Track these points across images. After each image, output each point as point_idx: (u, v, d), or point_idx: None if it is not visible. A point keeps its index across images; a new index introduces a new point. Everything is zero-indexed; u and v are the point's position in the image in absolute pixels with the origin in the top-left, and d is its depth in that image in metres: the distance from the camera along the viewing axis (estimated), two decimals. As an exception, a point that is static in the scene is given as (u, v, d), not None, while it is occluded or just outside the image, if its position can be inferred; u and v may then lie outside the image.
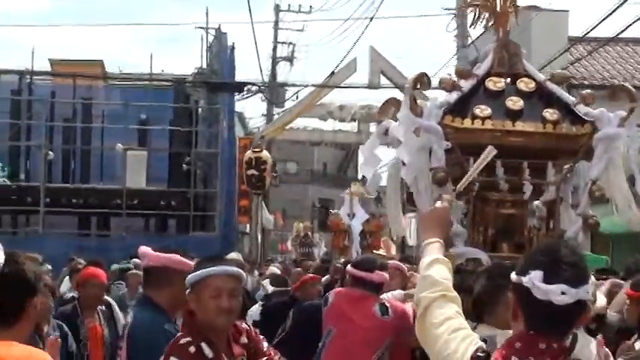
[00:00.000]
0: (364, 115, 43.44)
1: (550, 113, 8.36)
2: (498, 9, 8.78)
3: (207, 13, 48.10)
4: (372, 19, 30.40)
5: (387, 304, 8.60)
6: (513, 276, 3.40)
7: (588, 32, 23.39)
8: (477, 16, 8.89)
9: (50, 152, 28.60)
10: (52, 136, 29.56)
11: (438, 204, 4.26)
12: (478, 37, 28.96)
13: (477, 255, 8.26)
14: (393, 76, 32.03)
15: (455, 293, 3.74)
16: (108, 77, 33.47)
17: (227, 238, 29.43)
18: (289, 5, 47.80)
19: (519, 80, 8.63)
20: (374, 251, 26.56)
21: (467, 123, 8.37)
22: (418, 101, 8.40)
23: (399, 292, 9.39)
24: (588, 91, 8.71)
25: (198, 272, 4.81)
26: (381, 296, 8.80)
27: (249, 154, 28.57)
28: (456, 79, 8.72)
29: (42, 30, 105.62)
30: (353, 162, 58.53)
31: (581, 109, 8.40)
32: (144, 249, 5.73)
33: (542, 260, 3.34)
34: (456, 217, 8.19)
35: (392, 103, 9.73)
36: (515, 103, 8.44)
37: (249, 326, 5.10)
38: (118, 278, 15.71)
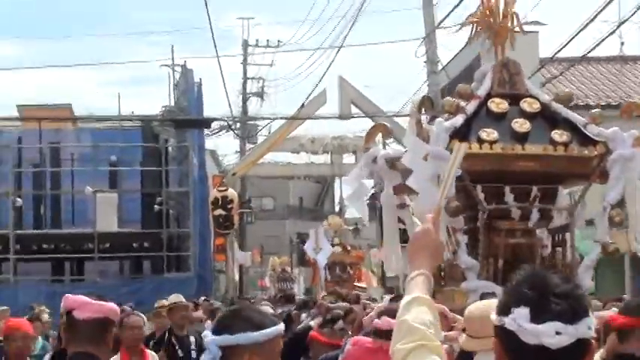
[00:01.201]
0: (336, 146, 43.10)
1: (559, 134, 7.92)
2: (497, 26, 8.36)
3: (172, 51, 47.47)
4: (340, 47, 30.01)
5: None
6: (493, 317, 2.66)
7: (558, 52, 23.07)
8: (474, 33, 8.47)
9: (18, 199, 28.12)
10: (21, 182, 29.11)
11: (424, 224, 3.29)
12: (448, 63, 28.69)
13: (491, 289, 7.76)
14: (364, 105, 31.70)
15: (437, 342, 2.96)
16: (75, 119, 32.89)
17: (203, 278, 29.03)
18: (257, 40, 47.38)
19: (523, 101, 8.19)
20: (355, 284, 26.13)
21: (474, 147, 7.92)
22: (424, 126, 7.94)
23: None
24: (597, 110, 8.28)
25: (266, 331, 3.73)
26: None
27: (214, 193, 27.82)
28: (458, 101, 8.28)
29: (8, 74, 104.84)
30: (329, 195, 58.23)
31: (593, 130, 7.95)
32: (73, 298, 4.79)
33: (527, 294, 2.61)
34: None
35: (379, 129, 9.26)
36: (521, 125, 7.99)
37: None
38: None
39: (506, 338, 2.64)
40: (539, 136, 7.96)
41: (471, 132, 8.08)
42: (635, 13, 18.11)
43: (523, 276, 2.73)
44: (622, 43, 30.80)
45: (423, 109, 8.10)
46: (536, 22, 26.70)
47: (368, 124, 33.73)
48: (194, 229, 29.83)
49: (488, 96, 8.26)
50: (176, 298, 11.40)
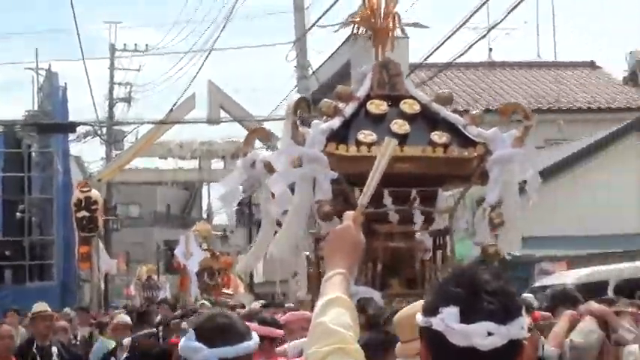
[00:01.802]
0: (205, 151, 42.76)
1: (439, 136, 7.77)
2: (378, 26, 8.18)
3: (36, 54, 46.30)
4: (210, 51, 29.68)
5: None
6: (419, 317, 2.47)
7: (428, 57, 23.21)
8: (355, 33, 8.27)
9: None
10: None
11: (344, 221, 3.12)
12: (319, 68, 28.64)
13: (370, 294, 7.56)
14: (233, 109, 31.47)
15: (356, 345, 2.77)
16: None
17: (67, 287, 28.54)
18: (125, 45, 46.49)
19: (402, 102, 8.02)
20: (223, 290, 25.83)
21: (352, 150, 7.71)
22: (300, 128, 7.69)
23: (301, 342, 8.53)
24: (477, 111, 8.17)
25: (255, 339, 3.64)
26: (285, 346, 7.91)
27: (77, 194, 26.63)
28: (336, 102, 8.06)
29: None
30: (197, 202, 57.70)
31: (472, 131, 7.82)
32: None
33: (457, 292, 2.41)
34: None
35: (258, 133, 9.01)
36: (400, 126, 7.81)
37: None
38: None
39: (432, 340, 2.44)
40: (418, 138, 7.80)
41: (349, 134, 7.87)
42: (503, 19, 18.27)
43: (452, 273, 2.53)
44: (490, 49, 31.30)
45: (299, 111, 7.85)
46: (418, 25, 26.81)
47: (237, 129, 33.53)
48: (58, 237, 29.25)
49: (368, 97, 8.07)
50: (41, 306, 11.01)
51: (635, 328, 7.30)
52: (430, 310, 2.44)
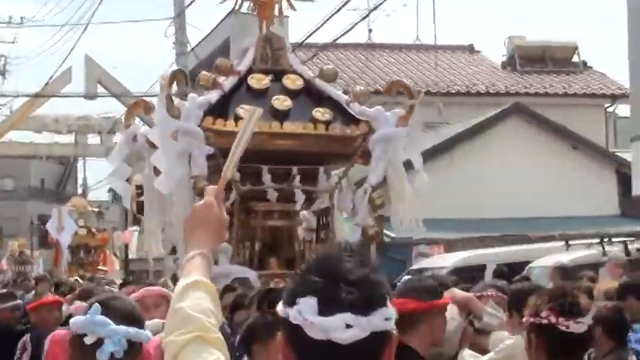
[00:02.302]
0: (81, 126, 42.01)
1: (321, 113, 7.59)
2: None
3: None
4: (87, 25, 28.99)
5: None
6: (279, 308, 2.27)
7: (307, 37, 23.06)
8: (240, 4, 8.02)
9: None
10: None
11: (206, 197, 2.78)
12: (198, 44, 28.24)
13: (245, 274, 7.37)
14: (111, 85, 30.94)
15: (218, 333, 2.54)
16: None
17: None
18: (-1, 17, 45.17)
19: (285, 77, 7.81)
20: (98, 267, 25.38)
21: (230, 125, 7.47)
22: (175, 101, 7.43)
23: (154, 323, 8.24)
24: (362, 87, 8.00)
25: None
26: None
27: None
28: (215, 76, 7.81)
29: None
30: (72, 176, 56.64)
31: (355, 108, 7.66)
32: None
33: (315, 282, 2.20)
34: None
35: (140, 105, 8.69)
36: (282, 102, 7.62)
37: None
38: None
39: (290, 333, 2.23)
40: (300, 115, 7.62)
41: (229, 109, 7.64)
42: (383, 1, 18.22)
43: (313, 261, 2.29)
44: (370, 31, 31.30)
45: (175, 84, 7.57)
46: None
47: (114, 104, 32.99)
48: None
49: (250, 71, 7.84)
50: None
51: (500, 313, 7.19)
52: (289, 300, 2.23)
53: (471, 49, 31.50)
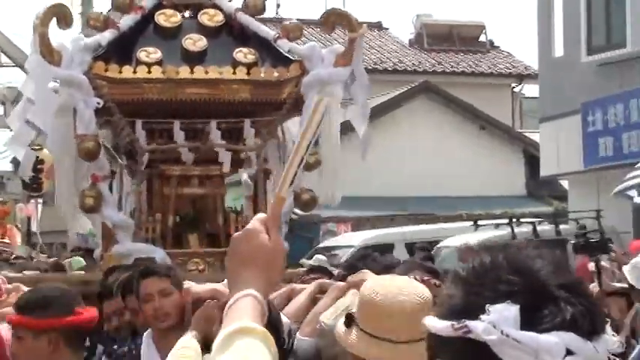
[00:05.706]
0: (-18, 96, 40.15)
1: (244, 54, 6.22)
2: None
3: None
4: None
5: None
6: (439, 324, 1.59)
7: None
8: None
9: None
10: None
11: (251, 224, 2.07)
12: None
13: (150, 253, 6.02)
14: (14, 53, 29.36)
15: None
16: None
17: None
18: None
19: (202, 12, 6.44)
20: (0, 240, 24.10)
21: (127, 72, 6.09)
22: (55, 44, 6.01)
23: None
24: (294, 20, 6.67)
25: None
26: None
27: None
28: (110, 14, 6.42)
29: None
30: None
31: (284, 45, 6.30)
32: None
33: (512, 281, 1.57)
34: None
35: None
36: (195, 42, 6.24)
37: None
38: None
39: (462, 356, 1.63)
40: (218, 57, 6.26)
41: (128, 52, 6.28)
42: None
43: (493, 252, 1.66)
44: (278, 5, 30.34)
45: (56, 21, 6.12)
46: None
47: (18, 74, 31.38)
48: None
49: (159, 7, 6.47)
50: None
51: None
52: (463, 310, 1.60)
53: (379, 26, 30.80)
